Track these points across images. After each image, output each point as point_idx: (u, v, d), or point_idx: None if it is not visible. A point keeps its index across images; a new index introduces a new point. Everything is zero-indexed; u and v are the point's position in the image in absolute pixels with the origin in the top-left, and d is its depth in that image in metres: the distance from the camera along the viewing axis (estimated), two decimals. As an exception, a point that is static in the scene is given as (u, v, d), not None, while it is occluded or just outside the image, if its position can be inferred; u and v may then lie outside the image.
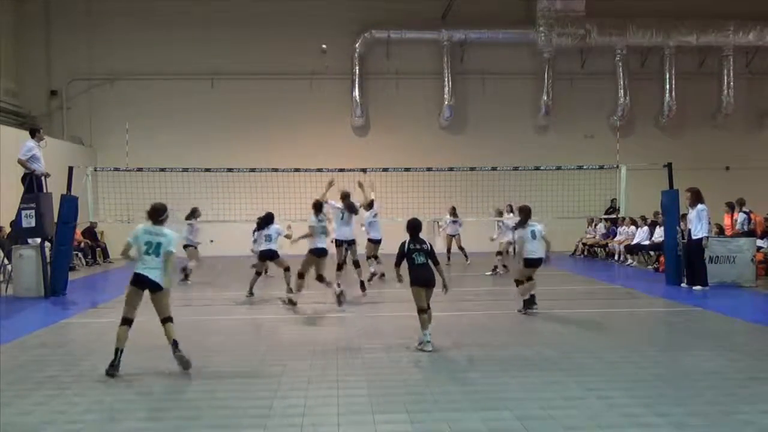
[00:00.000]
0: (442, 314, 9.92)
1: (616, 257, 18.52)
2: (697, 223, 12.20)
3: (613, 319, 9.42)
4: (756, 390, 5.81)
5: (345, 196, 12.21)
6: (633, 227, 18.21)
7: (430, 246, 7.61)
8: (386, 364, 6.91)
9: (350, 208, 12.14)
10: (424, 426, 4.96)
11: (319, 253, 10.61)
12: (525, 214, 9.92)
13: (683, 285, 12.57)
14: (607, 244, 19.38)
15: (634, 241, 17.90)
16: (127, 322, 6.68)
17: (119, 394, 5.90)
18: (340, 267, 11.99)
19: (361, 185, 13.32)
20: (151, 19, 21.52)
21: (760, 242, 13.99)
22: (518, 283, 9.95)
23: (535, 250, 9.74)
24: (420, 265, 7.48)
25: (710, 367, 6.55)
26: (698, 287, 12.17)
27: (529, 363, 6.82)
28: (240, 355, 7.34)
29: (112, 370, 6.45)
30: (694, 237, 12.28)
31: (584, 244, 20.43)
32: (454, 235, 17.72)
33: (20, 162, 12.23)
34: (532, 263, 9.80)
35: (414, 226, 7.68)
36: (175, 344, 6.67)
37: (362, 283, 12.01)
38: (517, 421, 5.01)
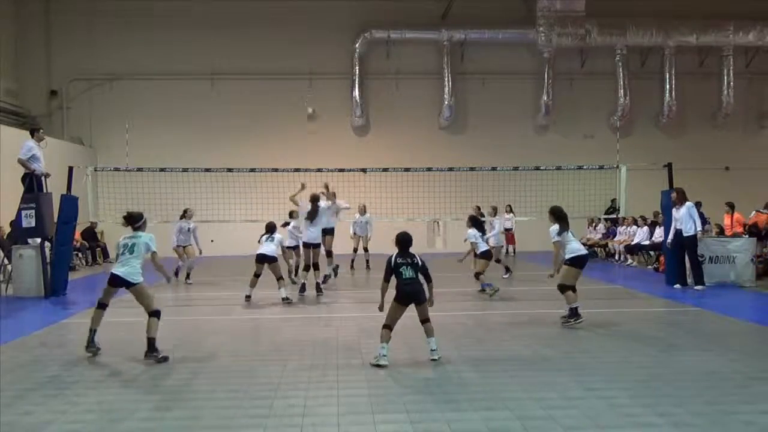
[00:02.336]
0: (441, 314, 9.92)
1: (616, 257, 18.52)
2: (688, 220, 12.30)
3: (614, 319, 9.40)
4: (756, 390, 5.81)
5: (314, 199, 12.28)
6: (634, 227, 18.21)
7: (422, 261, 7.05)
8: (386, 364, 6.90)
9: (311, 214, 12.18)
10: (424, 426, 4.95)
11: None
12: (559, 215, 9.03)
13: (676, 286, 12.49)
14: (607, 244, 19.36)
15: (634, 241, 17.90)
16: (101, 305, 7.53)
17: (119, 394, 5.90)
18: (307, 267, 12.19)
19: (326, 187, 13.07)
20: (151, 19, 21.56)
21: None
22: (566, 288, 8.85)
23: (579, 247, 9.02)
24: (407, 280, 6.92)
25: (710, 367, 6.55)
26: (700, 287, 12.14)
27: (529, 363, 6.81)
28: (240, 355, 7.34)
29: (89, 348, 7.29)
30: (686, 234, 12.32)
31: (584, 244, 20.40)
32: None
33: (20, 162, 12.23)
34: (581, 261, 8.89)
35: (402, 241, 7.11)
36: (150, 344, 7.09)
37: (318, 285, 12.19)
38: (517, 421, 5.01)
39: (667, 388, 5.86)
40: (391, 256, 7.05)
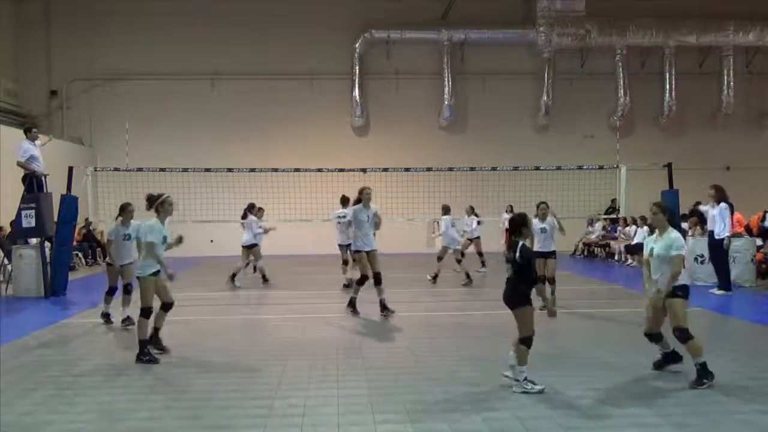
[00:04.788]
0: (441, 314, 9.94)
1: (616, 257, 18.52)
2: (720, 222, 11.73)
3: (614, 319, 9.41)
4: (756, 390, 5.80)
5: (345, 201, 12.80)
6: (633, 227, 18.20)
7: (521, 254, 5.78)
8: (386, 364, 6.91)
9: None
10: (424, 426, 4.96)
11: None
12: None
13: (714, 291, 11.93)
14: (608, 244, 19.36)
15: (634, 241, 17.88)
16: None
17: (119, 394, 5.90)
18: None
19: None
20: (151, 19, 21.52)
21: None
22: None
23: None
24: (507, 281, 5.95)
25: (710, 367, 6.53)
26: (721, 291, 11.75)
27: (529, 363, 6.80)
28: (240, 355, 7.34)
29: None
30: (717, 237, 11.79)
31: (585, 244, 20.41)
32: (473, 239, 15.64)
33: (20, 164, 12.21)
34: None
35: (511, 225, 6.03)
36: (141, 346, 7.03)
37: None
38: (517, 421, 5.01)
39: (666, 388, 5.85)
40: None
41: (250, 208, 13.62)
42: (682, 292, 6.05)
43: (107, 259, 9.34)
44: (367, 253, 9.83)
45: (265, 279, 13.56)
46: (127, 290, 9.07)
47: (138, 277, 7.24)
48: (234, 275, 13.36)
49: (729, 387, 5.88)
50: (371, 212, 9.91)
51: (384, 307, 9.70)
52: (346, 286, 12.44)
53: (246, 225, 13.46)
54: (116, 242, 9.05)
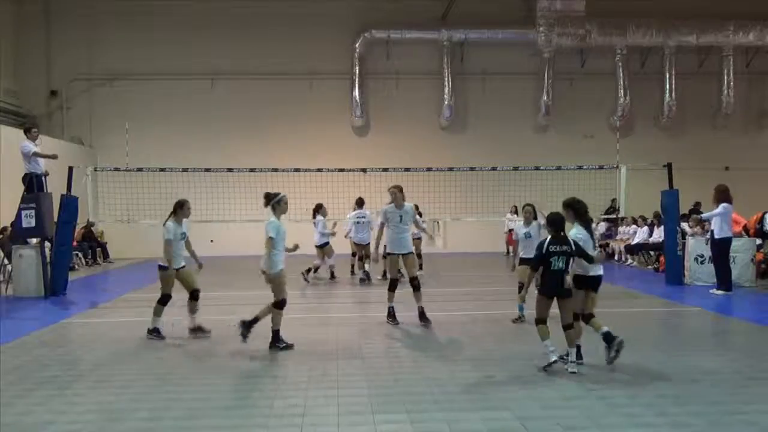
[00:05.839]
0: (441, 314, 9.93)
1: (615, 257, 18.53)
2: (717, 222, 11.78)
3: (613, 319, 9.37)
4: (756, 390, 5.81)
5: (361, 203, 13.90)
6: (634, 226, 18.21)
7: (575, 245, 6.46)
8: (386, 364, 6.91)
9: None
10: (424, 426, 4.96)
11: None
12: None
13: (719, 291, 11.79)
14: (608, 244, 19.36)
15: (634, 241, 17.90)
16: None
17: (119, 394, 5.90)
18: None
19: None
20: (151, 19, 21.52)
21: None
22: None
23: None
24: (555, 272, 6.42)
25: (710, 367, 6.55)
26: (720, 291, 11.69)
27: (529, 363, 6.81)
28: (240, 355, 7.34)
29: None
30: (715, 237, 11.85)
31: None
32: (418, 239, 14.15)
33: (36, 155, 12.08)
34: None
35: (553, 222, 6.55)
36: (273, 335, 7.60)
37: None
38: (517, 421, 5.01)
39: (666, 388, 5.86)
40: (542, 241, 6.54)
41: (318, 208, 13.98)
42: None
43: (163, 262, 8.22)
44: (403, 256, 9.14)
45: (332, 276, 13.97)
46: (195, 296, 8.32)
47: (273, 274, 7.51)
48: (309, 270, 13.77)
49: (729, 387, 5.89)
50: (404, 212, 9.11)
51: (422, 316, 9.00)
52: (362, 280, 13.50)
53: (315, 225, 13.93)
54: (174, 242, 8.20)
